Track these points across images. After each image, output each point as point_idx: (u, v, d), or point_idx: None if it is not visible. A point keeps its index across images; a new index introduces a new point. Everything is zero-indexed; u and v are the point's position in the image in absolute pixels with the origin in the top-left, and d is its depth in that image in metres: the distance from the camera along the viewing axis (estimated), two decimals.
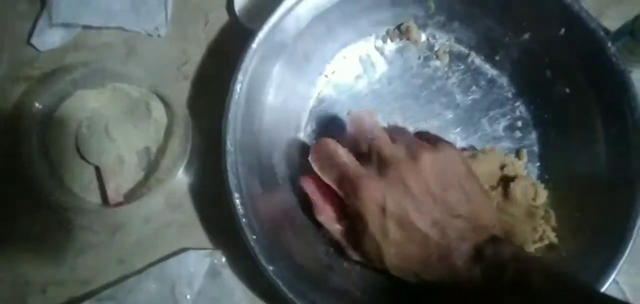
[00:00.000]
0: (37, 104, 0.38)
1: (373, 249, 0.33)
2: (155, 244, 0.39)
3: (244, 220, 0.34)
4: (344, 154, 0.34)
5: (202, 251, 0.39)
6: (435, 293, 0.33)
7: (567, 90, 0.40)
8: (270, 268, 0.34)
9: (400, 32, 0.43)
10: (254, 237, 0.34)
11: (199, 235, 0.40)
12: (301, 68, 0.41)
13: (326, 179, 0.34)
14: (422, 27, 0.43)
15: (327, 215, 0.35)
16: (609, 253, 0.35)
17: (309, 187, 0.36)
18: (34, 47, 0.42)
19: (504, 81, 0.43)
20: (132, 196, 0.39)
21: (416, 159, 0.33)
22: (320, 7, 0.39)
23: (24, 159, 0.38)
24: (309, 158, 0.35)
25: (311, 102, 0.42)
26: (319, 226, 0.37)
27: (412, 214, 0.32)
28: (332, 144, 0.34)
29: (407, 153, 0.33)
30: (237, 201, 0.34)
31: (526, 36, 0.41)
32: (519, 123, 0.42)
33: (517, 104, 0.43)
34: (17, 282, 0.39)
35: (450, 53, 0.43)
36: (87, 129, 0.40)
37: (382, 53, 0.43)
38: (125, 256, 0.39)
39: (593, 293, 0.31)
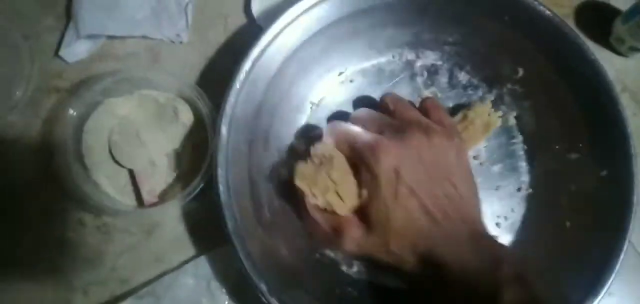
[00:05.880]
0: (69, 113, 0.39)
1: (381, 213, 0.32)
2: (191, 241, 0.41)
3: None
4: (356, 127, 0.35)
5: None
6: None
7: None
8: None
9: None
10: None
11: None
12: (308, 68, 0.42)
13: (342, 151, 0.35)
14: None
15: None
16: None
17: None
18: (62, 59, 0.44)
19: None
20: (165, 196, 0.41)
21: (429, 135, 0.34)
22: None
23: (60, 167, 0.39)
24: (324, 137, 0.36)
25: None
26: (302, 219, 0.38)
27: (423, 185, 0.32)
28: (343, 123, 0.36)
29: (422, 124, 0.34)
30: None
31: None
32: None
33: None
34: (59, 285, 0.40)
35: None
36: (119, 135, 0.42)
37: None
38: (162, 254, 0.41)
39: None
